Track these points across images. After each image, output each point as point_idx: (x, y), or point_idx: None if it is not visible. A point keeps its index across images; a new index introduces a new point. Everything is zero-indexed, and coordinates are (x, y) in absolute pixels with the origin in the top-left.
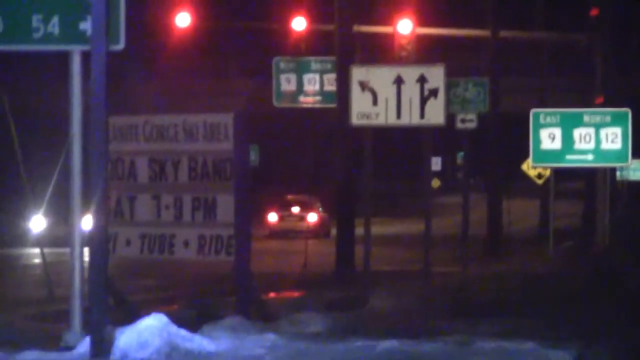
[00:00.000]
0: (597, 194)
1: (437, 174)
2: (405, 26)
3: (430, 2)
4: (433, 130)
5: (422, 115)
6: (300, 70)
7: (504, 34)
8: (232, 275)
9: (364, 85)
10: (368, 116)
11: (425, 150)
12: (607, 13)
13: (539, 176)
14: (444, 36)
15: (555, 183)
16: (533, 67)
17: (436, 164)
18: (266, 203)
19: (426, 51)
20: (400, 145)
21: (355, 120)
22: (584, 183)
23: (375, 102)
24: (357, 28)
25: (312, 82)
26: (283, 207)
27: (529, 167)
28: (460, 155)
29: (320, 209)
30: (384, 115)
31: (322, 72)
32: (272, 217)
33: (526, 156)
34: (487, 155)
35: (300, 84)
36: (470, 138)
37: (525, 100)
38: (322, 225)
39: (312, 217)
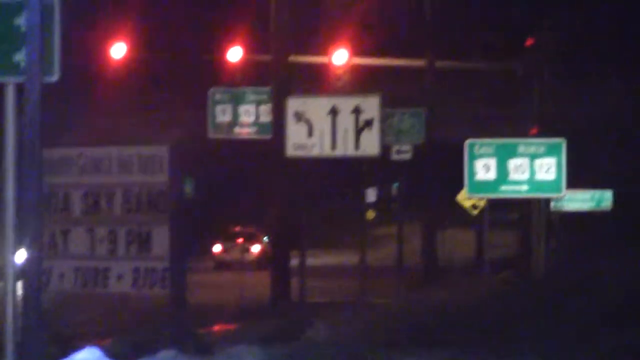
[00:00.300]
0: (532, 224)
1: (372, 205)
2: (340, 56)
3: (367, 33)
4: (369, 161)
5: (357, 146)
6: (236, 101)
7: (440, 64)
8: (168, 308)
9: (299, 116)
10: (303, 147)
11: (360, 181)
12: (543, 43)
13: (474, 207)
14: (382, 66)
15: (490, 213)
16: (471, 97)
17: (372, 195)
18: (212, 235)
19: (364, 80)
20: (337, 176)
21: (291, 151)
22: (518, 213)
23: (310, 133)
24: (293, 58)
25: (247, 113)
26: (228, 239)
27: (464, 198)
28: (395, 186)
29: (265, 239)
30: (319, 146)
31: (258, 103)
32: (217, 249)
33: (462, 186)
34: (422, 186)
35: (235, 115)
36: (406, 169)
37: (462, 130)
38: (266, 256)
39: (257, 248)
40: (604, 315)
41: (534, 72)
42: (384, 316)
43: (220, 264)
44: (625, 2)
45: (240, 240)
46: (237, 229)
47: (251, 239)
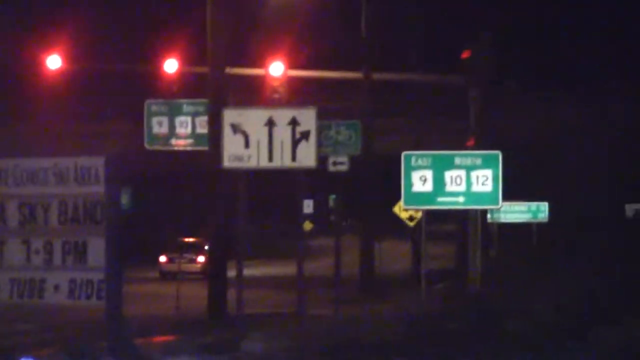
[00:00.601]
0: (469, 236)
1: (309, 217)
2: (276, 68)
3: (304, 45)
4: (306, 172)
5: (293, 158)
6: (173, 113)
7: (377, 76)
8: (104, 319)
9: (236, 128)
10: (240, 159)
11: (297, 192)
12: (479, 56)
13: (411, 218)
14: (319, 78)
15: (427, 225)
16: (409, 109)
17: (308, 206)
18: (157, 245)
19: (301, 92)
20: (274, 187)
21: (227, 163)
22: (455, 225)
23: (247, 145)
24: (229, 70)
25: (184, 125)
26: (173, 250)
27: (401, 210)
28: (332, 198)
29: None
30: (255, 158)
31: (194, 115)
32: (162, 259)
33: (399, 198)
34: (359, 198)
35: (172, 126)
36: (343, 180)
37: (401, 142)
38: None
39: (202, 258)
40: (540, 332)
41: (470, 84)
42: (320, 329)
43: (166, 274)
44: (563, 17)
45: (185, 250)
46: (183, 239)
47: (196, 249)
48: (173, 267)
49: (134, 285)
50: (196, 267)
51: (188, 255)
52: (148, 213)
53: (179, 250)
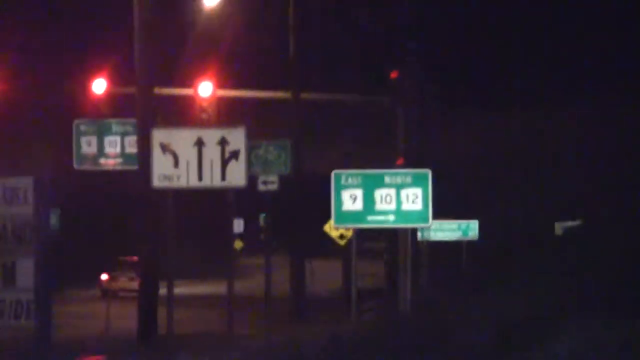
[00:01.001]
0: (399, 254)
1: (239, 236)
2: (205, 88)
3: (233, 65)
4: (236, 192)
5: (223, 177)
6: (102, 133)
7: (305, 95)
8: (33, 340)
9: (165, 148)
10: (169, 178)
11: (227, 212)
12: (407, 75)
13: (341, 237)
14: (249, 98)
15: (358, 243)
16: (340, 129)
17: (239, 225)
18: (96, 265)
19: (232, 113)
20: (204, 206)
21: (157, 182)
22: (386, 243)
23: (176, 165)
24: (158, 90)
25: (113, 145)
26: (114, 268)
27: (331, 228)
28: (262, 217)
29: None
30: (185, 178)
31: (123, 134)
32: (103, 277)
33: (330, 217)
34: (289, 217)
35: (101, 146)
36: (273, 200)
37: (332, 162)
38: None
39: None
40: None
41: (399, 103)
42: (250, 350)
43: (107, 293)
44: (492, 37)
45: (126, 269)
46: (124, 258)
47: (138, 267)
48: (115, 285)
49: (72, 305)
50: (137, 285)
51: (129, 274)
52: (78, 233)
53: (120, 268)
